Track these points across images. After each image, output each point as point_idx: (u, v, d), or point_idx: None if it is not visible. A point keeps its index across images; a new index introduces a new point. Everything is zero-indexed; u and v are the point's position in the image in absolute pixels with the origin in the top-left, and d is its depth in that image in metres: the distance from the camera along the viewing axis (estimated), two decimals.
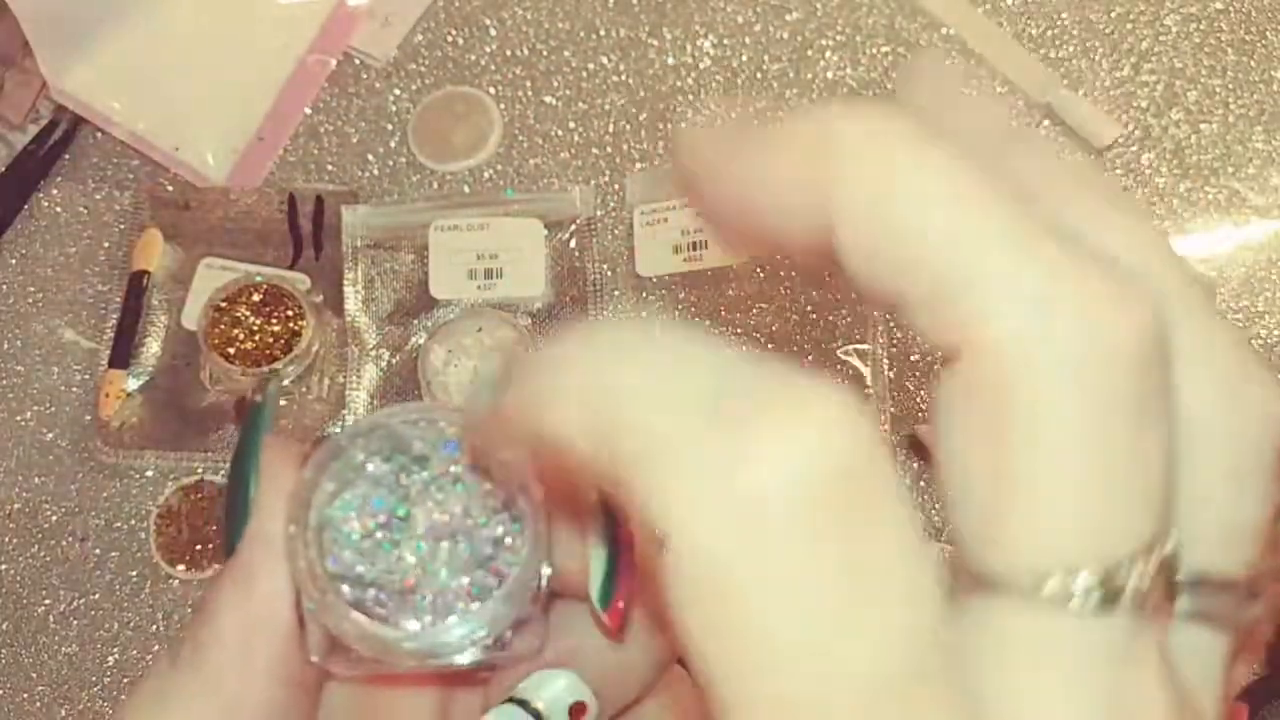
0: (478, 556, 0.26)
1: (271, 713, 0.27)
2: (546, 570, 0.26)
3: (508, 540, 0.26)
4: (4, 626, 0.64)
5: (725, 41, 0.72)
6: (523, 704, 0.27)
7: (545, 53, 0.72)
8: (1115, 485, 0.18)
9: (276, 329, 0.64)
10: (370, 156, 0.71)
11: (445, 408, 0.27)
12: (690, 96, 0.71)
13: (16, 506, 0.65)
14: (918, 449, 0.63)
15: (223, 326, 0.64)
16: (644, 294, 0.67)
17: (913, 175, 0.19)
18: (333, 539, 0.26)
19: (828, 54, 0.71)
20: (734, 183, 0.20)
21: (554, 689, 0.27)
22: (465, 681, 0.29)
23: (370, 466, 0.26)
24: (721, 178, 0.21)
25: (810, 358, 0.64)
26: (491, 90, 0.71)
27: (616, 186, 0.69)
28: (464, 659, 0.26)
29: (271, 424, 0.28)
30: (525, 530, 0.26)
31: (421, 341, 0.65)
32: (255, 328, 0.64)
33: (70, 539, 0.65)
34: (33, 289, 0.69)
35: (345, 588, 0.26)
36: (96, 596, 0.64)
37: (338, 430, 0.27)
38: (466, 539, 0.26)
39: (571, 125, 0.70)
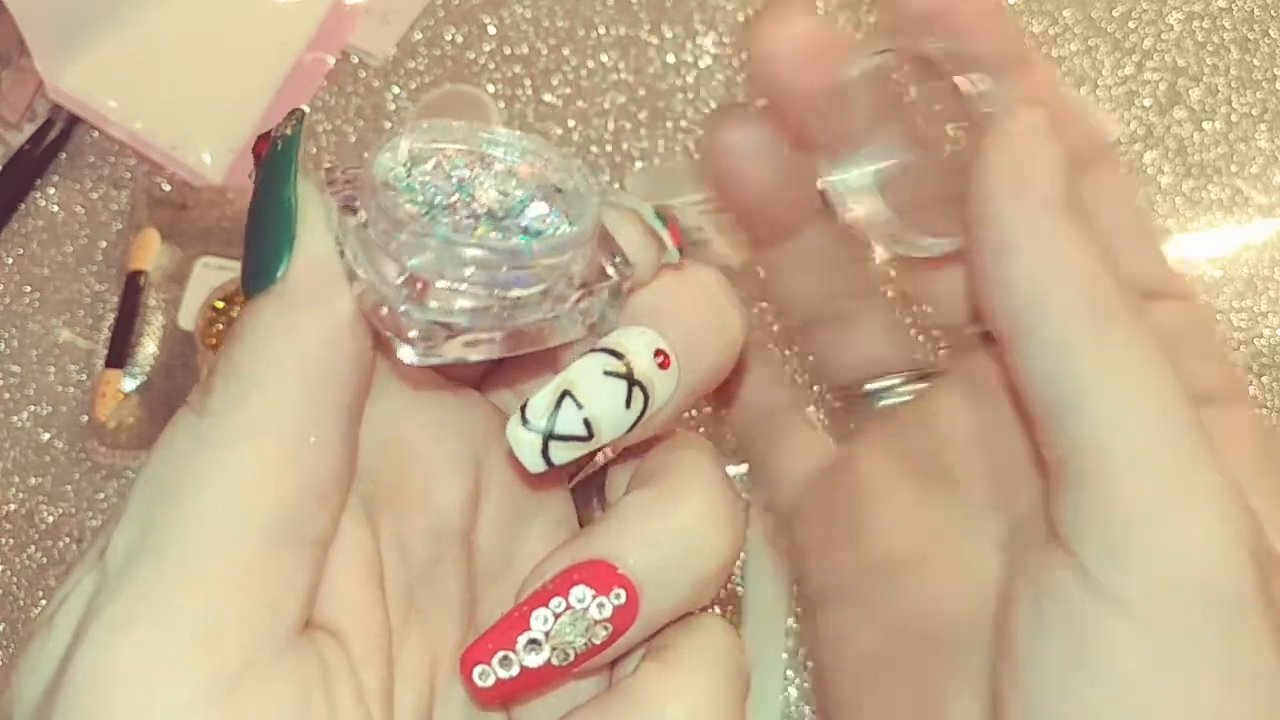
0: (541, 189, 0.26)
1: (337, 445, 0.25)
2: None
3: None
4: (0, 628, 0.64)
5: (726, 39, 0.71)
6: (609, 352, 0.26)
7: (544, 51, 0.72)
8: None
9: None
10: (368, 155, 0.70)
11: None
12: (690, 95, 0.70)
13: (12, 508, 0.65)
14: None
15: (220, 326, 0.64)
16: None
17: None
18: (410, 179, 0.25)
19: None
20: None
21: (637, 336, 0.26)
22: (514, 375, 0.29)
23: (431, 128, 0.26)
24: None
25: (811, 358, 0.63)
26: (491, 88, 0.71)
27: (616, 185, 0.69)
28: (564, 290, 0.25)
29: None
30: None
31: None
32: None
33: (67, 540, 0.64)
34: (29, 289, 0.69)
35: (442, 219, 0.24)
36: None
37: None
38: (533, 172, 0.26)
39: (571, 124, 0.70)
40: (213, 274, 0.66)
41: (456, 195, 0.25)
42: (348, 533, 0.26)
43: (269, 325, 0.24)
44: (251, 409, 0.24)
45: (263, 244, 0.25)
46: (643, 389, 0.26)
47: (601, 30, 0.72)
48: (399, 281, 0.24)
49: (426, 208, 0.25)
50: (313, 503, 0.24)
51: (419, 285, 0.24)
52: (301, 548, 0.24)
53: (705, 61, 0.71)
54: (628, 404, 0.26)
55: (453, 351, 0.25)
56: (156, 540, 0.23)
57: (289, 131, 0.26)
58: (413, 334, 0.24)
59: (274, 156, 0.26)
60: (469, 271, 0.24)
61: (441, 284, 0.24)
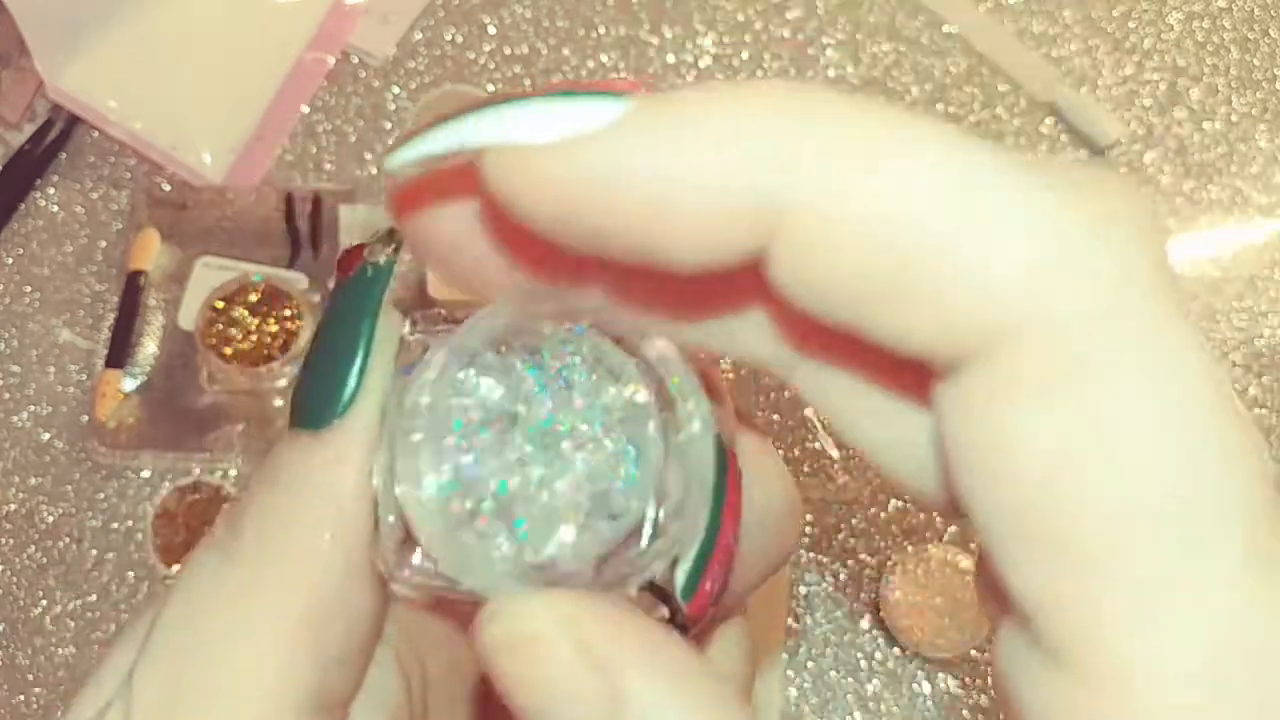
0: (589, 473, 0.21)
1: (367, 610, 0.23)
2: (651, 512, 0.21)
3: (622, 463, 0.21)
4: (1, 628, 0.64)
5: (725, 40, 0.71)
6: None
7: (544, 51, 0.72)
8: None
9: (274, 329, 0.64)
10: (368, 155, 0.70)
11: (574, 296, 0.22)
12: None
13: (13, 507, 0.65)
14: None
15: (220, 326, 0.64)
16: None
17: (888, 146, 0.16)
18: (431, 427, 0.22)
19: (828, 52, 0.71)
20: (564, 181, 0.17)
21: None
22: None
23: (482, 352, 0.22)
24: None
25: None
26: (490, 88, 0.71)
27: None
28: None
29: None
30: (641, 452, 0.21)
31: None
32: (252, 327, 0.64)
33: (67, 540, 0.64)
34: (29, 289, 0.69)
35: (438, 484, 0.21)
36: (94, 598, 0.64)
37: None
38: (578, 450, 0.21)
39: None
40: (213, 274, 0.66)
41: (499, 426, 0.22)
42: (377, 684, 0.25)
43: (311, 474, 0.23)
44: (285, 567, 0.22)
45: (327, 375, 0.23)
46: None
47: (601, 30, 0.72)
48: (389, 518, 0.22)
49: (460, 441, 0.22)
50: (341, 672, 0.23)
51: (405, 531, 0.22)
52: (327, 714, 0.23)
53: (705, 61, 0.71)
54: None
55: (422, 594, 0.23)
56: (187, 713, 0.22)
57: (381, 260, 0.23)
58: (390, 559, 0.22)
59: (361, 283, 0.23)
60: (440, 553, 0.22)
61: (417, 537, 0.22)
